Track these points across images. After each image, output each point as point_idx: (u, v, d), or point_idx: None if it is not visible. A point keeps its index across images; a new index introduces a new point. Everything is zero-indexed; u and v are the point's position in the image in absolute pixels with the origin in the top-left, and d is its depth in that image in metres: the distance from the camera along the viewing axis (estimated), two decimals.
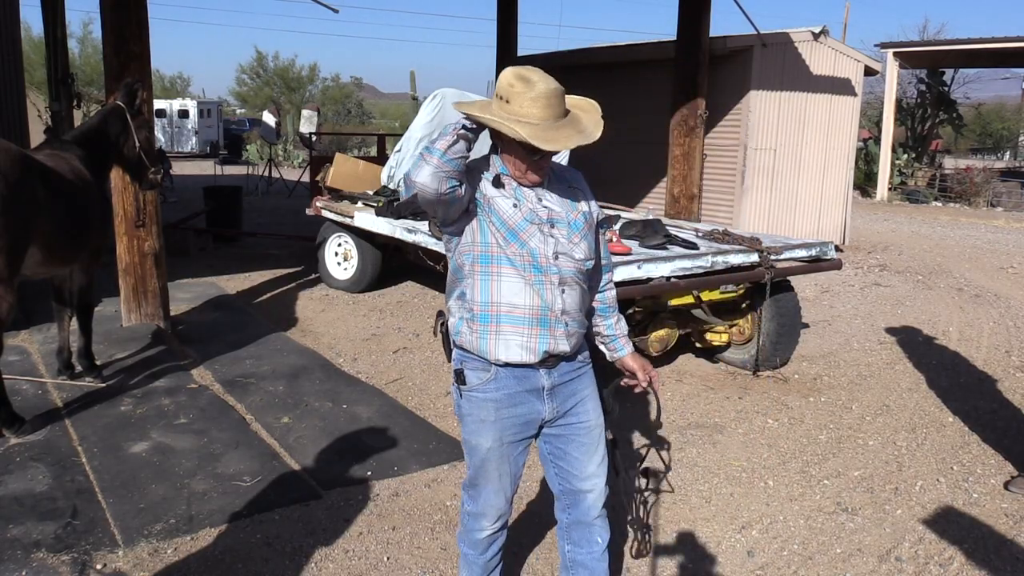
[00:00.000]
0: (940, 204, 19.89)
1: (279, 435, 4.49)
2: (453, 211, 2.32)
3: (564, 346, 2.41)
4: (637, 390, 2.59)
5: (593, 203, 2.52)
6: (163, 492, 3.75)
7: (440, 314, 2.55)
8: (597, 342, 2.66)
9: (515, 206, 2.33)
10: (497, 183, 2.35)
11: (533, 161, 2.32)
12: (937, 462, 4.45)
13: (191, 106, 31.46)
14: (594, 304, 2.61)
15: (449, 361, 2.52)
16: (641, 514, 2.88)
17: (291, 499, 3.74)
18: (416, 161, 2.24)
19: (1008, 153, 40.43)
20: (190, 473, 3.95)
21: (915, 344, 6.79)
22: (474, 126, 2.23)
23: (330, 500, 3.76)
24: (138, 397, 4.92)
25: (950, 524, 3.75)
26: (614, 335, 2.63)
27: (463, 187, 2.26)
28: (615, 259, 4.46)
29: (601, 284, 2.61)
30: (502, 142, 2.33)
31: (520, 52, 12.42)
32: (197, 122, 31.03)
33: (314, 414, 4.81)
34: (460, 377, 2.45)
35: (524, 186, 2.37)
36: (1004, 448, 4.61)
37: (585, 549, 2.59)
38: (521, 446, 2.51)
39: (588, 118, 2.33)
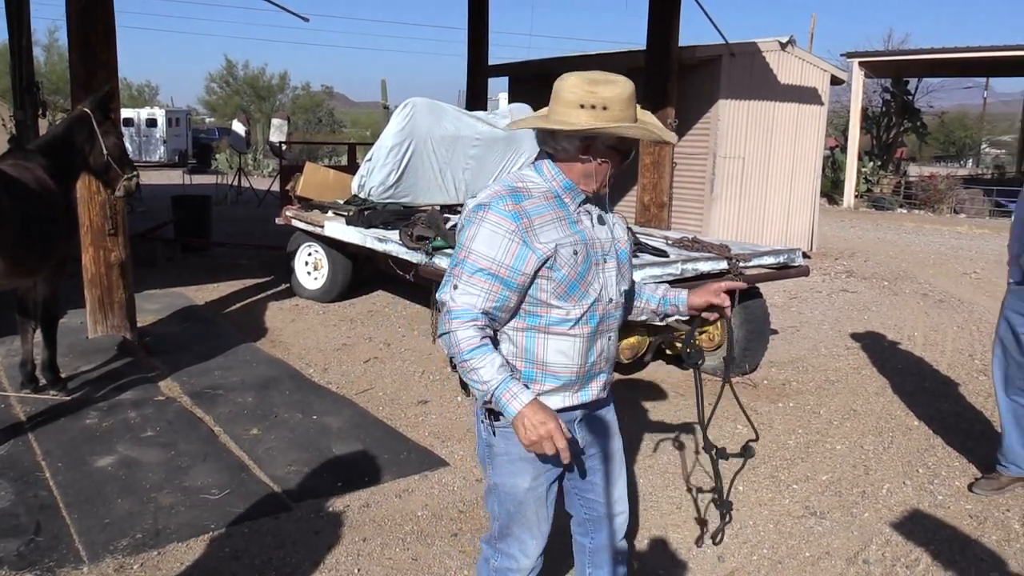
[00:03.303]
0: (905, 211, 20.22)
1: (248, 447, 4.45)
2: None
3: (603, 394, 2.34)
4: (716, 318, 2.48)
5: (626, 227, 2.44)
6: (129, 506, 3.69)
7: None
8: (656, 319, 2.58)
9: (575, 253, 2.15)
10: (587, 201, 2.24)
11: (616, 168, 2.19)
12: (903, 465, 4.51)
13: (159, 115, 31.17)
14: (635, 304, 2.54)
15: (467, 395, 2.41)
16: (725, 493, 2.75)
17: (260, 512, 3.70)
18: (444, 341, 2.11)
19: (970, 161, 41.22)
20: (157, 487, 3.90)
21: (881, 349, 6.89)
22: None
23: (300, 512, 3.73)
24: (104, 410, 4.85)
25: (916, 526, 3.80)
26: (663, 297, 2.52)
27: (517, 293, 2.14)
28: None
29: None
30: (591, 155, 2.15)
31: (491, 60, 12.45)
32: (165, 131, 30.73)
33: (284, 425, 4.78)
34: (493, 413, 2.21)
35: (587, 202, 2.24)
36: (968, 450, 4.69)
37: (608, 571, 2.53)
38: (556, 485, 2.37)
39: (648, 116, 2.24)
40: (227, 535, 3.50)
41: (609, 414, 2.44)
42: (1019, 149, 27.84)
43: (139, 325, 6.51)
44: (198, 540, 3.45)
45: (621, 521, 2.50)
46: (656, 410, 5.28)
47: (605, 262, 2.23)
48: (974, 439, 4.87)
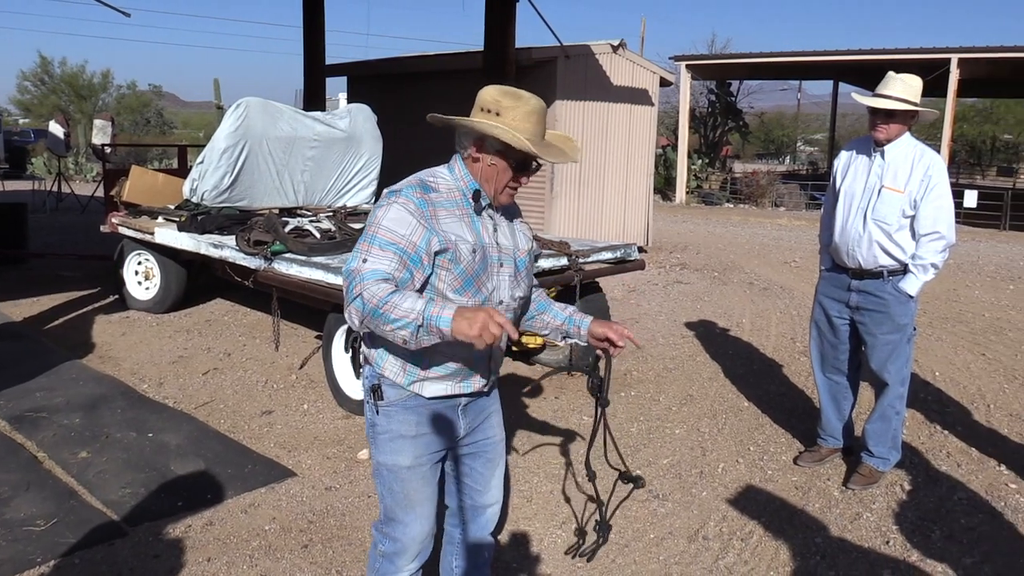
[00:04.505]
0: (732, 205, 21.49)
1: (77, 472, 4.16)
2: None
3: (488, 386, 2.45)
4: (615, 353, 2.55)
5: (532, 239, 2.53)
6: None
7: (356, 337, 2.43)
8: (559, 337, 2.64)
9: (473, 252, 2.25)
10: (476, 199, 2.29)
11: (513, 180, 2.31)
12: (736, 444, 4.79)
13: None
14: (533, 312, 2.63)
15: (357, 378, 2.44)
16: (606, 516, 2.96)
17: (93, 540, 3.47)
18: (355, 306, 2.09)
19: (788, 157, 44.36)
20: None
21: (713, 336, 7.29)
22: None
23: (137, 537, 3.53)
24: None
25: (749, 501, 4.06)
26: (569, 317, 2.61)
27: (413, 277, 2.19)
28: None
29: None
30: (483, 156, 2.27)
31: (329, 60, 12.20)
32: None
33: (116, 446, 4.50)
34: (377, 393, 2.33)
35: (485, 209, 2.32)
36: (792, 427, 5.05)
37: (473, 562, 2.59)
38: (439, 468, 2.44)
39: (566, 143, 2.39)
40: (56, 568, 3.26)
41: (493, 404, 2.55)
42: (829, 147, 30.19)
43: None
44: None
45: (493, 512, 2.59)
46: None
47: (501, 266, 2.34)
48: (797, 416, 5.25)
